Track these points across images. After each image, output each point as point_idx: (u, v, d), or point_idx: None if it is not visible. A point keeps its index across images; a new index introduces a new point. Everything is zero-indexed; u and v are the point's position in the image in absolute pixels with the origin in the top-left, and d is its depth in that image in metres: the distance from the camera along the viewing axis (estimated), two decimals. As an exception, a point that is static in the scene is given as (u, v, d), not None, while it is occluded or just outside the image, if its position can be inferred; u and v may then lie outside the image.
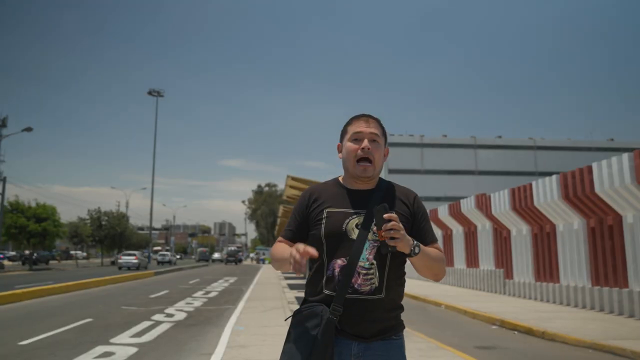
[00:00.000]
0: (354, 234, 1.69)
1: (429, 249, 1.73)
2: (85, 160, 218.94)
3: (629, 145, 53.38)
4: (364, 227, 1.68)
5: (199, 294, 15.35)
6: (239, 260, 58.09)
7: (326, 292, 1.67)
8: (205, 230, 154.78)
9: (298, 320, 1.67)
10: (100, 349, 6.42)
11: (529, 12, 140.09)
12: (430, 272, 1.74)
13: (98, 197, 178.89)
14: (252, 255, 78.52)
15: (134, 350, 6.41)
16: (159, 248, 78.45)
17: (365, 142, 1.75)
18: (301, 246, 1.56)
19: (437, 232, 19.37)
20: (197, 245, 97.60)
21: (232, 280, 23.40)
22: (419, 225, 1.79)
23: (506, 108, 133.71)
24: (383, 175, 1.85)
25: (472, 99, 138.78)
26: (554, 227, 12.02)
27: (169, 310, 10.76)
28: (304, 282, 19.85)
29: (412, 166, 57.13)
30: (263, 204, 79.13)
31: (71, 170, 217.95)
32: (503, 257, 14.55)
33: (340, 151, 1.86)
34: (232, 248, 67.71)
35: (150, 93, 53.66)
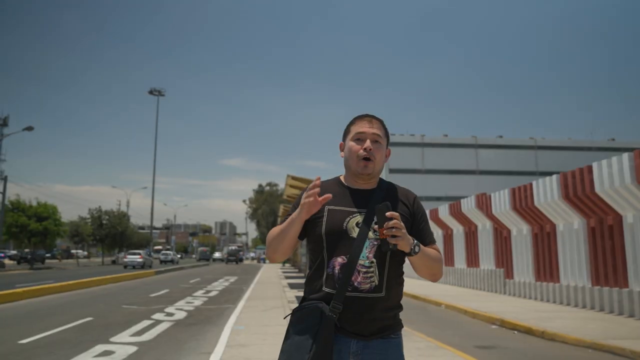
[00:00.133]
0: (355, 232, 1.70)
1: (428, 249, 1.75)
2: (86, 159, 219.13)
3: (630, 145, 53.35)
4: (365, 226, 1.70)
5: (199, 293, 15.36)
6: (239, 260, 58.12)
7: (326, 290, 1.67)
8: (206, 230, 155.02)
9: (297, 318, 1.67)
10: (100, 348, 6.43)
11: (529, 12, 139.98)
12: (428, 271, 1.76)
13: (99, 196, 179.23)
14: (251, 254, 78.45)
15: (133, 349, 6.42)
16: (159, 247, 78.50)
17: (368, 143, 1.76)
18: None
19: (438, 232, 19.36)
20: (198, 245, 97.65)
21: (232, 279, 23.41)
22: (418, 226, 1.80)
23: (507, 108, 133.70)
24: (384, 175, 1.87)
25: (472, 98, 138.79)
26: (554, 227, 12.01)
27: (169, 310, 10.77)
28: (304, 281, 19.71)
29: (412, 166, 57.15)
30: (264, 203, 79.15)
31: (72, 170, 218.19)
32: (503, 256, 14.55)
33: (342, 149, 1.87)
34: (233, 247, 67.68)
35: (151, 92, 53.71)
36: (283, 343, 1.68)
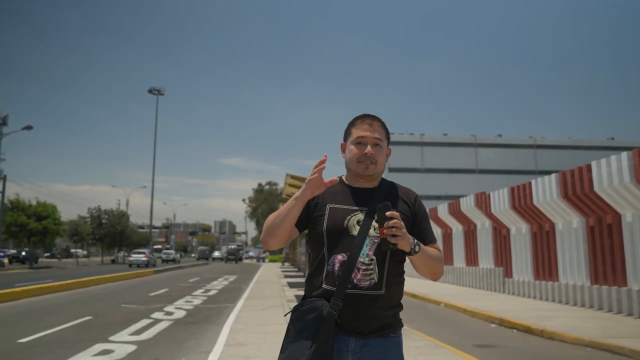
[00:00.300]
0: (355, 230, 1.70)
1: (429, 249, 1.75)
2: (85, 159, 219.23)
3: (630, 144, 53.33)
4: (365, 224, 1.71)
5: (198, 292, 15.36)
6: (239, 259, 58.11)
7: (325, 287, 1.68)
8: (206, 229, 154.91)
9: (298, 316, 1.67)
10: (99, 347, 6.43)
11: (529, 12, 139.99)
12: (429, 271, 1.76)
13: (98, 195, 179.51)
14: (250, 253, 78.41)
15: (133, 348, 6.42)
16: (159, 246, 78.44)
17: (369, 148, 1.77)
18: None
19: (437, 231, 19.37)
20: (198, 244, 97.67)
21: (232, 278, 23.41)
22: (419, 225, 1.81)
23: (506, 107, 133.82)
24: (383, 174, 1.87)
25: (472, 97, 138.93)
26: (553, 226, 12.02)
27: (169, 309, 10.77)
28: (303, 280, 19.74)
29: (412, 165, 57.09)
30: (263, 202, 79.02)
31: (72, 169, 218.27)
32: (502, 255, 14.56)
33: (343, 150, 1.89)
34: (233, 246, 67.68)
35: (150, 91, 53.56)
36: (283, 340, 1.68)
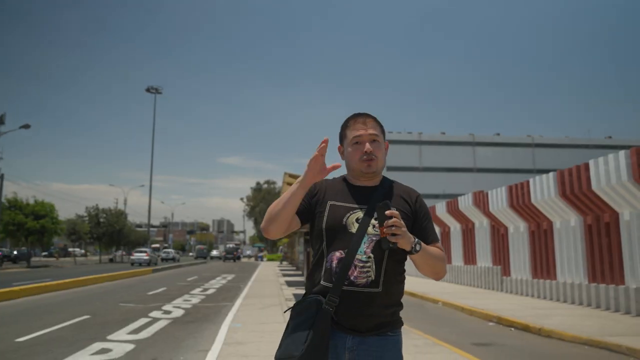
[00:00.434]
0: (354, 227, 1.71)
1: (431, 248, 1.75)
2: (84, 158, 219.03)
3: (627, 143, 53.34)
4: (364, 222, 1.71)
5: (196, 291, 15.35)
6: (237, 258, 58.10)
7: (323, 283, 1.69)
8: (204, 228, 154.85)
9: (296, 312, 1.69)
10: (97, 346, 6.42)
11: (529, 12, 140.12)
12: (431, 270, 1.76)
13: (96, 194, 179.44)
14: (248, 252, 78.36)
15: (131, 346, 6.41)
16: (157, 245, 78.38)
17: (367, 146, 1.77)
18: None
19: (435, 230, 19.34)
20: (196, 243, 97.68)
21: (230, 277, 23.40)
22: (420, 224, 1.81)
23: (505, 106, 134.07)
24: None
25: (470, 96, 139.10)
26: (551, 224, 12.04)
27: (167, 307, 10.76)
28: (302, 279, 19.87)
29: (410, 163, 57.11)
30: (262, 201, 78.94)
31: (70, 168, 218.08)
32: (500, 254, 14.58)
33: (341, 153, 1.89)
34: (231, 245, 67.67)
35: (148, 90, 53.40)
36: (282, 335, 1.70)
